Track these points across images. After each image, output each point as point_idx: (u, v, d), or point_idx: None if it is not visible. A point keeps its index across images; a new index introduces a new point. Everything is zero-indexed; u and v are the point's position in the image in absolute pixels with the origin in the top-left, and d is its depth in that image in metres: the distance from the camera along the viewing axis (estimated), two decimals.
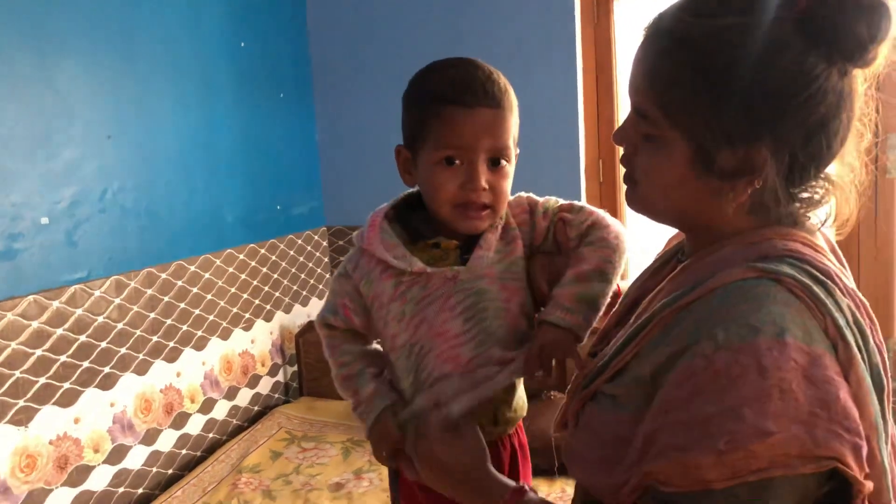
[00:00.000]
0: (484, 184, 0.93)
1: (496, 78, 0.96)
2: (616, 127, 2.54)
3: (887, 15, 0.67)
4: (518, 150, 1.01)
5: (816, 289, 0.68)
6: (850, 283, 0.73)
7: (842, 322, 0.67)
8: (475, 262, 0.97)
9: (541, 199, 1.04)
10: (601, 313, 0.97)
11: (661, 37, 0.74)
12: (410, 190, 1.05)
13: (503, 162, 0.95)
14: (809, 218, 0.78)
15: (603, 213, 1.01)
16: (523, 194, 1.06)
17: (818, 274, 0.70)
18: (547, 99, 2.61)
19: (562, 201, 1.04)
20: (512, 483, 0.89)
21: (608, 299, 0.97)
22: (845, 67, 0.69)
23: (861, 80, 0.73)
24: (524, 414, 1.07)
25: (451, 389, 0.94)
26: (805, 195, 0.76)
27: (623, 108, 2.68)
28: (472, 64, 0.98)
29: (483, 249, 0.98)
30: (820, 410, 0.62)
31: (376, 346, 1.07)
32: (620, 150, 0.84)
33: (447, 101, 0.93)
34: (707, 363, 0.65)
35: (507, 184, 0.97)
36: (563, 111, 2.62)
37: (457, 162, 0.93)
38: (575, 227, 0.99)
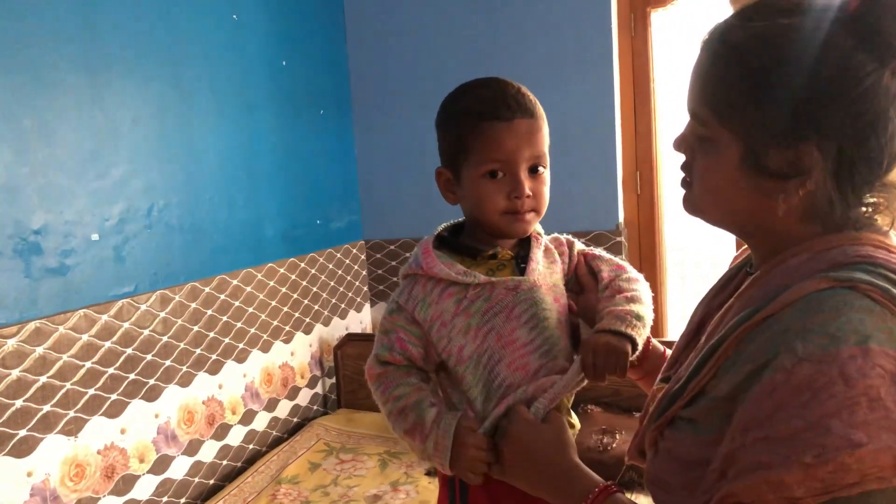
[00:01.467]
0: (528, 191, 0.99)
1: (525, 91, 1.02)
2: (654, 139, 2.55)
3: None
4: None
5: (895, 291, 0.66)
6: None
7: None
8: (531, 273, 1.03)
9: (572, 239, 1.13)
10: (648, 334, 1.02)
11: (713, 43, 0.76)
12: (446, 223, 1.11)
13: (541, 168, 1.02)
14: (877, 220, 0.76)
15: (630, 269, 1.09)
16: (562, 236, 1.13)
17: (894, 276, 0.68)
18: (584, 111, 2.62)
19: (593, 248, 1.14)
20: (600, 479, 0.89)
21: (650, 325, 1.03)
22: None
23: None
24: (579, 425, 1.09)
25: (524, 396, 0.97)
26: (870, 200, 0.75)
27: (661, 119, 2.66)
28: (499, 81, 1.03)
29: (533, 262, 1.04)
30: None
31: (430, 378, 1.07)
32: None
33: (485, 117, 0.98)
34: (788, 376, 0.64)
35: (547, 188, 1.03)
36: (600, 123, 2.62)
37: (500, 174, 0.99)
38: (605, 263, 1.09)
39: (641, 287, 1.06)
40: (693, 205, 0.84)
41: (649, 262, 2.72)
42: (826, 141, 0.70)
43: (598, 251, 1.13)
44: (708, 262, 3.58)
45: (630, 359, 0.98)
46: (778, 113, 0.71)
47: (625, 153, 2.68)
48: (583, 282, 1.10)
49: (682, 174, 0.85)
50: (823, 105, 0.69)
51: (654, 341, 1.09)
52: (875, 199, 0.75)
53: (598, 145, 2.63)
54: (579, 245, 1.13)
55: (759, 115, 0.72)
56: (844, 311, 0.65)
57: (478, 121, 0.98)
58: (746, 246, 0.95)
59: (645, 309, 1.02)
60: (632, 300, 1.02)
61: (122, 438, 1.87)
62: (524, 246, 1.07)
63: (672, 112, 2.74)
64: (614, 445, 2.09)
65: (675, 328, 2.81)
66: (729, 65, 0.73)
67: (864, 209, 0.75)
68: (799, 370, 0.63)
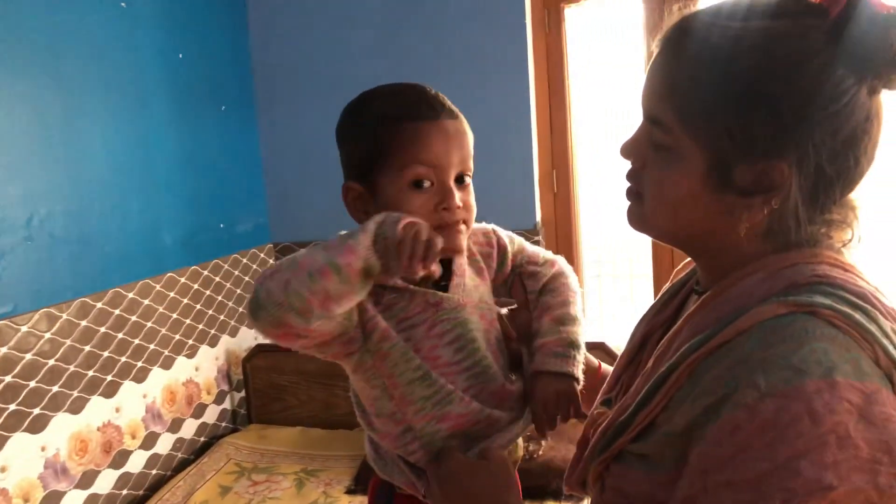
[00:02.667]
0: (459, 201, 0.88)
1: (442, 95, 0.92)
2: (570, 136, 2.52)
3: None
4: None
5: (858, 316, 0.62)
6: (889, 302, 0.67)
7: (892, 349, 0.61)
8: (455, 290, 0.93)
9: (504, 237, 1.03)
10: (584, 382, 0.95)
11: (684, 42, 0.70)
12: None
13: (467, 179, 0.91)
14: (832, 237, 0.72)
15: (562, 262, 1.04)
16: (487, 225, 1.03)
17: (855, 299, 0.64)
18: (499, 109, 2.56)
19: (525, 245, 1.05)
20: None
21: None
22: (875, 86, 0.65)
23: (884, 103, 0.68)
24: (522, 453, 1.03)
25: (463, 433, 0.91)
26: (825, 217, 0.70)
27: (576, 116, 2.64)
28: (414, 84, 0.92)
29: (458, 276, 0.94)
30: (882, 455, 0.56)
31: None
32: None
33: (405, 117, 0.86)
34: (751, 414, 0.59)
35: (474, 200, 0.93)
36: (515, 121, 2.57)
37: (426, 183, 0.86)
38: (539, 281, 1.01)
39: (569, 293, 1.00)
40: (641, 219, 0.77)
41: (567, 261, 2.69)
42: (802, 157, 0.65)
43: (542, 257, 1.04)
44: (624, 261, 3.62)
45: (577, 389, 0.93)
46: (753, 125, 0.65)
47: (541, 151, 2.64)
48: (514, 297, 1.03)
49: (628, 184, 0.78)
50: (802, 120, 0.64)
51: (605, 367, 1.04)
52: (832, 218, 0.71)
53: (514, 144, 2.57)
54: (518, 247, 1.03)
55: (735, 127, 0.66)
56: (807, 341, 0.60)
57: (398, 122, 0.86)
58: (687, 261, 0.90)
59: (577, 327, 0.97)
60: (561, 321, 0.96)
61: (2, 478, 1.67)
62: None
63: (587, 109, 2.73)
64: (540, 452, 2.04)
65: (592, 327, 2.81)
66: (702, 68, 0.67)
67: (819, 227, 0.71)
68: (762, 407, 0.59)
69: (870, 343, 0.61)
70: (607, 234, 2.77)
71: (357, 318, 0.88)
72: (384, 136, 0.87)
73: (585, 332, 0.99)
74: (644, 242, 2.38)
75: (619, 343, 2.42)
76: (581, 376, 0.94)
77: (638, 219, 0.78)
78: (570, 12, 2.58)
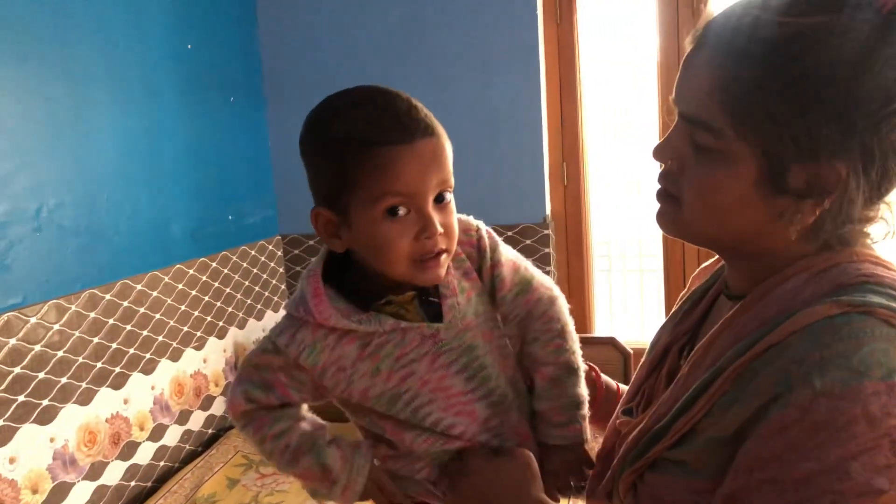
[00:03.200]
0: (439, 228, 0.80)
1: (417, 103, 0.82)
2: (580, 129, 2.50)
3: None
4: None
5: None
6: None
7: None
8: (450, 315, 0.87)
9: (486, 241, 0.92)
10: (588, 400, 0.92)
11: (733, 39, 0.66)
12: (325, 251, 0.91)
13: (448, 195, 0.83)
14: (868, 234, 0.70)
15: (548, 289, 0.94)
16: (468, 219, 0.93)
17: None
18: (510, 101, 2.54)
19: (508, 253, 0.94)
20: None
21: (586, 385, 0.93)
22: None
23: None
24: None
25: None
26: (870, 215, 0.69)
27: (588, 109, 2.62)
28: (383, 93, 0.81)
29: (450, 297, 0.87)
30: None
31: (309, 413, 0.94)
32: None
33: (375, 143, 0.78)
34: (803, 413, 0.58)
35: (455, 219, 0.85)
36: (526, 114, 2.55)
37: (401, 211, 0.79)
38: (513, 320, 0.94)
39: (559, 341, 0.91)
40: (678, 223, 0.74)
41: (576, 255, 2.68)
42: (860, 158, 0.62)
43: (504, 269, 0.92)
44: (634, 255, 3.61)
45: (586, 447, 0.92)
46: (812, 126, 0.62)
47: (551, 144, 2.63)
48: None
49: (661, 186, 0.75)
50: (862, 120, 0.61)
51: (605, 379, 1.02)
52: (873, 214, 0.69)
53: (524, 136, 2.56)
54: (491, 255, 0.92)
55: (798, 129, 0.62)
56: (866, 341, 0.59)
57: (365, 148, 0.77)
58: (704, 266, 0.88)
59: (574, 378, 0.91)
60: (556, 379, 0.90)
61: (11, 469, 1.67)
62: None
63: (598, 101, 2.71)
64: None
65: (602, 322, 2.80)
66: (758, 68, 0.63)
67: (856, 225, 0.69)
68: (816, 406, 0.57)
69: None
70: (618, 227, 2.76)
71: (326, 394, 0.90)
72: (351, 163, 0.79)
73: (583, 374, 0.93)
74: (654, 237, 2.35)
75: (629, 338, 2.41)
76: (588, 434, 0.92)
77: (673, 223, 0.75)
78: (581, 4, 2.55)
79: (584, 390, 0.92)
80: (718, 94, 0.66)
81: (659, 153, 0.74)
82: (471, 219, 0.93)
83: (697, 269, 0.91)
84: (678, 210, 0.73)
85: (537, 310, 0.93)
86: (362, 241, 0.83)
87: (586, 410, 0.92)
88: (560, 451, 0.91)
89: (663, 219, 0.76)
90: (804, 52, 0.62)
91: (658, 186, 0.76)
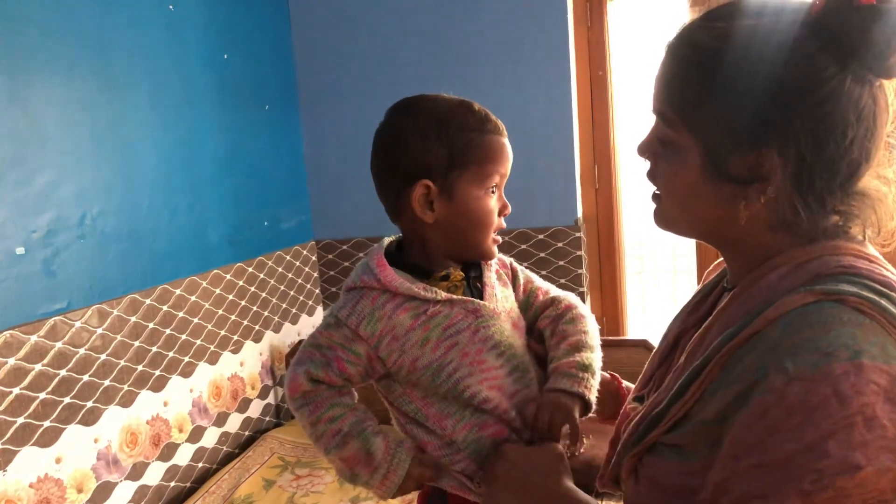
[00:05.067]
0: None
1: None
2: (612, 132, 2.51)
3: None
4: None
5: (884, 302, 0.63)
6: None
7: None
8: (489, 300, 1.00)
9: (518, 267, 1.10)
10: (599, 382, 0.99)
11: (678, 44, 0.75)
12: (391, 238, 1.05)
13: None
14: (850, 228, 0.74)
15: (579, 303, 1.07)
16: (504, 258, 1.09)
17: (880, 287, 0.65)
18: (541, 104, 2.54)
19: (535, 277, 1.10)
20: (596, 502, 0.85)
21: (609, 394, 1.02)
22: (863, 74, 0.67)
23: (892, 93, 0.70)
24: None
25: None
26: (840, 208, 0.72)
27: (619, 112, 2.61)
28: (466, 100, 1.00)
29: (489, 287, 1.01)
30: None
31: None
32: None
33: (488, 132, 0.97)
34: (779, 397, 0.61)
35: None
36: (557, 117, 2.56)
37: (493, 190, 0.98)
38: (559, 312, 1.05)
39: (587, 326, 1.03)
40: (663, 218, 0.81)
41: (608, 258, 2.68)
42: (786, 145, 0.68)
43: (539, 282, 1.09)
44: (667, 256, 3.58)
45: (584, 416, 0.95)
46: (740, 116, 0.69)
47: (582, 147, 2.62)
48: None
49: (651, 186, 0.82)
50: (785, 109, 0.67)
51: (627, 385, 1.06)
52: (846, 208, 0.73)
53: (555, 139, 2.56)
54: (523, 272, 1.09)
55: (720, 118, 0.70)
56: (834, 326, 0.62)
57: (481, 134, 0.96)
58: (719, 261, 0.91)
59: (592, 354, 1.00)
60: (576, 347, 1.00)
61: (58, 468, 1.72)
62: (474, 268, 1.02)
63: (629, 104, 2.70)
64: (582, 451, 2.03)
65: (634, 325, 2.78)
66: (693, 66, 0.72)
67: (836, 218, 0.73)
68: (790, 390, 0.60)
69: None
70: (650, 229, 2.73)
71: (379, 368, 0.96)
72: (466, 144, 0.95)
73: (600, 362, 1.01)
74: (688, 241, 2.34)
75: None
76: (593, 400, 0.96)
77: (660, 218, 0.82)
78: (612, 6, 2.55)
79: (598, 365, 1.00)
80: (667, 89, 0.75)
81: (640, 150, 0.81)
82: (501, 255, 1.08)
83: (713, 265, 0.94)
84: (660, 205, 0.80)
85: (573, 304, 1.06)
86: (463, 211, 0.96)
87: (596, 382, 0.98)
88: (559, 395, 0.94)
89: (654, 216, 0.82)
90: (727, 50, 0.69)
91: (653, 188, 0.82)
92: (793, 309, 0.65)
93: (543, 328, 1.04)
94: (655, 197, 0.81)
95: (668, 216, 0.80)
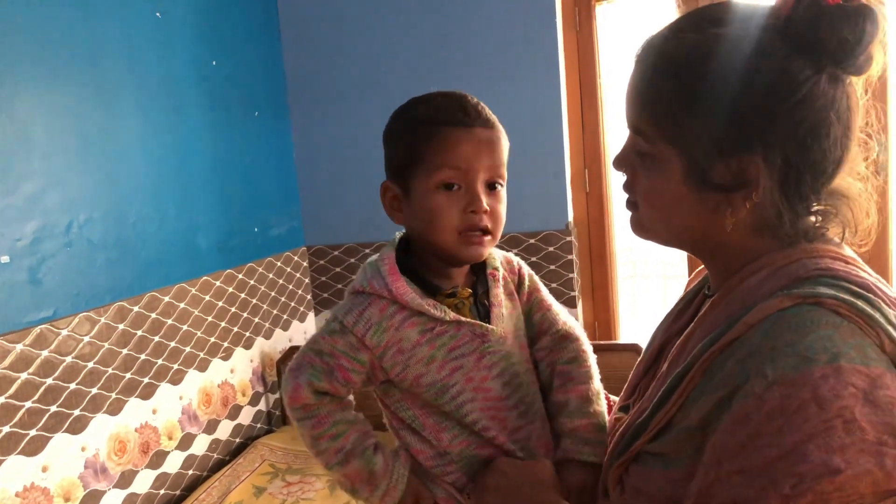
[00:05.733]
0: (486, 206, 0.89)
1: (483, 105, 0.94)
2: (602, 135, 2.51)
3: (872, 18, 0.65)
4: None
5: (861, 304, 0.64)
6: (891, 292, 0.69)
7: None
8: (496, 322, 0.95)
9: (525, 271, 1.05)
10: None
11: (649, 55, 0.74)
12: (400, 233, 1.00)
13: (499, 186, 0.93)
14: (828, 230, 0.74)
15: (573, 323, 1.03)
16: (511, 255, 1.06)
17: (857, 289, 0.65)
18: (530, 108, 2.54)
19: (540, 286, 1.05)
20: None
21: None
22: (836, 73, 0.67)
23: (861, 89, 0.71)
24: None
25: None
26: (817, 208, 0.73)
27: (609, 115, 2.61)
28: (458, 92, 0.94)
29: (497, 307, 0.96)
30: (888, 437, 0.57)
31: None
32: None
33: (441, 122, 0.89)
34: (759, 402, 0.61)
35: (504, 208, 0.94)
36: (547, 121, 2.56)
37: (455, 186, 0.89)
38: (560, 342, 1.01)
39: (589, 361, 0.99)
40: (641, 226, 0.81)
41: (599, 262, 2.67)
42: (769, 150, 0.68)
43: (544, 293, 1.04)
44: (658, 261, 3.56)
45: None
46: (718, 124, 0.69)
47: (573, 151, 2.62)
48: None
49: (626, 195, 0.82)
50: (763, 114, 0.67)
51: (613, 397, 1.05)
52: (822, 209, 0.73)
53: (545, 143, 2.56)
54: (530, 279, 1.04)
55: (700, 128, 0.70)
56: (812, 329, 0.62)
57: (433, 126, 0.89)
58: (701, 268, 0.91)
59: (602, 404, 0.97)
60: (588, 398, 0.95)
61: (44, 477, 1.71)
62: (480, 279, 0.98)
63: (620, 107, 2.70)
64: None
65: (626, 329, 2.77)
66: (665, 77, 0.72)
67: (813, 220, 0.73)
68: (770, 394, 0.60)
69: (874, 330, 0.63)
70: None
71: (381, 376, 0.93)
72: (419, 140, 0.90)
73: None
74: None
75: None
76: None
77: (638, 227, 0.82)
78: (601, 10, 2.55)
79: (605, 406, 0.97)
80: (641, 103, 0.75)
81: (616, 164, 0.81)
82: (512, 255, 1.05)
83: (695, 272, 0.94)
84: (638, 214, 0.80)
85: (573, 333, 1.02)
86: (418, 213, 0.91)
87: (607, 437, 0.95)
88: (588, 469, 0.91)
89: (631, 224, 0.82)
90: (700, 60, 0.69)
91: (626, 196, 0.82)
92: (772, 313, 0.65)
93: (541, 360, 1.00)
94: (631, 205, 0.81)
95: (648, 226, 0.80)
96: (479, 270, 0.99)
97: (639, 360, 0.91)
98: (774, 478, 0.58)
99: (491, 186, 0.92)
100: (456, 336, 0.92)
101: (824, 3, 0.66)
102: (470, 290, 0.96)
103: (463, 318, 0.92)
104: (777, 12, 0.68)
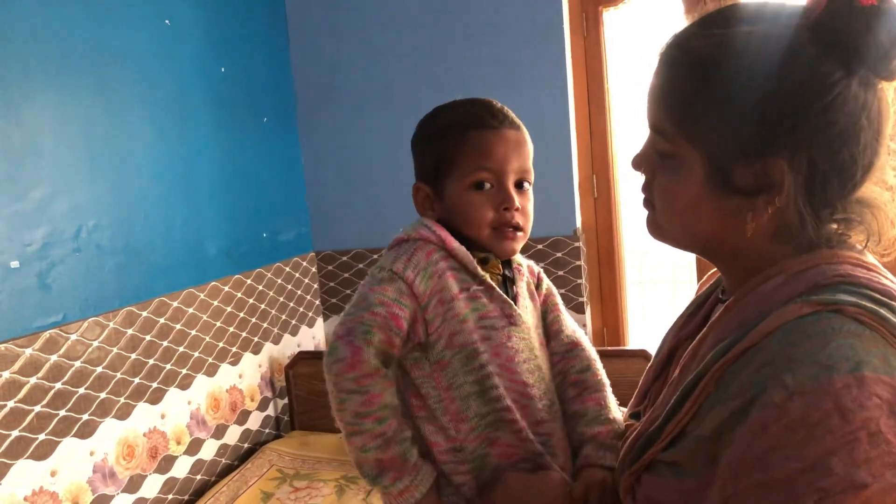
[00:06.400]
0: (517, 203, 0.94)
1: (508, 108, 1.00)
2: (610, 141, 2.50)
3: None
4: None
5: (884, 312, 0.61)
6: None
7: None
8: (523, 310, 0.97)
9: (543, 276, 1.08)
10: None
11: (673, 52, 0.73)
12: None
13: (527, 185, 0.98)
14: (850, 237, 0.71)
15: (579, 332, 1.05)
16: (533, 266, 1.08)
17: (880, 296, 0.63)
18: (538, 114, 2.54)
19: (555, 293, 1.07)
20: None
21: None
22: (868, 77, 0.65)
23: (893, 94, 0.68)
24: None
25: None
26: (840, 216, 0.70)
27: (617, 120, 2.61)
28: (483, 98, 0.99)
29: (522, 298, 0.99)
30: None
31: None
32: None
33: (471, 126, 0.95)
34: (779, 413, 0.58)
35: (532, 207, 0.99)
36: (554, 126, 2.55)
37: (487, 185, 0.94)
38: (555, 340, 1.03)
39: (598, 367, 1.01)
40: (657, 227, 0.79)
41: (608, 268, 2.66)
42: (796, 154, 0.65)
43: (557, 298, 1.07)
44: (667, 266, 3.56)
45: None
46: (744, 125, 0.66)
47: (580, 156, 2.62)
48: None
49: (643, 195, 0.80)
50: (791, 116, 0.65)
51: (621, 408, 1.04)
52: (846, 217, 0.70)
53: (553, 149, 2.55)
54: (547, 283, 1.07)
55: (724, 128, 0.67)
56: (833, 337, 0.60)
57: (464, 130, 0.95)
58: (713, 271, 0.90)
59: (618, 414, 0.97)
60: (605, 404, 0.97)
61: (53, 482, 1.72)
62: (508, 269, 1.00)
63: (627, 113, 2.70)
64: None
65: (635, 335, 2.76)
66: (692, 76, 0.70)
67: (835, 226, 0.71)
68: (790, 405, 0.58)
69: None
70: (649, 239, 2.71)
71: (420, 333, 0.91)
72: (450, 144, 0.95)
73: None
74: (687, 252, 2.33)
75: None
76: None
77: (654, 228, 0.80)
78: (608, 15, 2.55)
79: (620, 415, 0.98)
80: (665, 101, 0.73)
81: (634, 163, 0.79)
82: (532, 262, 1.08)
83: (706, 276, 0.92)
84: (654, 215, 0.78)
85: (581, 342, 1.03)
86: (454, 209, 0.96)
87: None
88: (601, 471, 0.91)
89: (647, 226, 0.80)
90: (726, 57, 0.67)
91: (643, 196, 0.80)
92: (789, 320, 0.63)
93: (554, 364, 1.01)
94: (648, 204, 0.79)
95: (664, 228, 0.78)
96: (506, 266, 1.00)
97: (649, 364, 0.90)
98: (796, 492, 0.56)
99: (519, 185, 0.96)
100: (487, 306, 0.93)
101: (858, 3, 0.63)
102: (500, 268, 0.98)
103: (496, 289, 0.94)
104: (808, 12, 0.66)
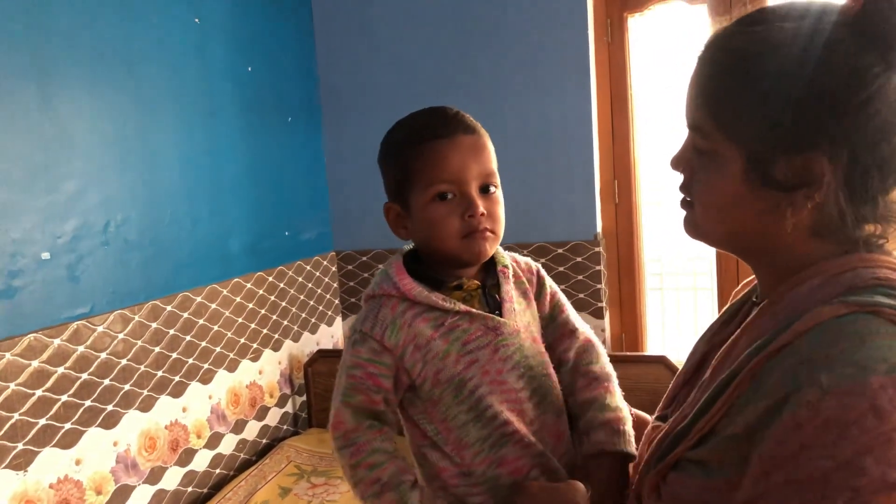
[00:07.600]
0: (482, 209, 0.93)
1: (464, 113, 0.98)
2: (632, 147, 2.50)
3: None
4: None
5: None
6: None
7: None
8: (508, 316, 0.97)
9: (545, 275, 1.08)
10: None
11: (714, 51, 0.73)
12: (408, 246, 1.04)
13: (493, 188, 0.96)
14: (887, 241, 0.72)
15: (587, 329, 1.07)
16: (528, 259, 1.08)
17: None
18: (561, 119, 2.55)
19: (560, 293, 1.08)
20: None
21: None
22: None
23: None
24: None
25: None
26: (880, 213, 0.69)
27: (639, 127, 2.61)
28: (436, 107, 0.98)
29: (508, 302, 0.99)
30: None
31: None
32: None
33: (424, 139, 0.94)
34: (813, 412, 0.58)
35: (502, 209, 0.97)
36: (577, 131, 2.56)
37: (449, 195, 0.93)
38: (571, 336, 1.05)
39: (609, 366, 1.03)
40: (695, 226, 0.79)
41: (627, 273, 2.67)
42: (836, 147, 0.66)
43: (561, 296, 1.08)
44: (686, 273, 3.55)
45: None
46: (784, 120, 0.67)
47: (602, 162, 2.62)
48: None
49: (682, 195, 0.80)
50: (831, 110, 0.65)
51: (637, 412, 1.05)
52: (886, 214, 0.70)
53: (575, 154, 2.56)
54: (549, 282, 1.08)
55: (762, 123, 0.68)
56: (870, 338, 0.60)
57: (418, 143, 0.94)
58: (748, 280, 0.90)
59: (621, 398, 1.00)
60: (613, 394, 0.99)
61: (77, 470, 1.75)
62: (490, 275, 1.00)
63: (650, 119, 2.70)
64: None
65: (654, 341, 2.76)
66: (731, 72, 0.70)
67: (873, 227, 0.70)
68: (825, 404, 0.58)
69: None
70: (670, 245, 2.72)
71: (405, 379, 0.94)
72: (407, 159, 0.95)
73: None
74: (707, 255, 2.32)
75: (680, 357, 2.37)
76: (634, 451, 0.95)
77: (692, 227, 0.80)
78: (633, 22, 2.56)
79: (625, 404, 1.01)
80: (703, 98, 0.73)
81: (673, 163, 0.80)
82: (531, 260, 1.08)
83: (743, 283, 0.92)
84: (692, 213, 0.78)
85: (591, 338, 1.05)
86: (420, 224, 0.95)
87: (630, 423, 0.98)
88: (622, 459, 0.94)
89: (685, 224, 0.81)
90: (765, 53, 0.68)
91: (681, 196, 0.81)
92: (825, 320, 0.63)
93: (566, 361, 1.03)
94: (686, 203, 0.79)
95: (703, 226, 0.78)
96: (490, 269, 1.01)
97: (679, 371, 0.90)
98: (829, 491, 0.56)
99: (485, 190, 0.95)
100: (469, 330, 0.94)
101: None
102: (477, 283, 0.98)
103: (474, 311, 0.94)
104: (848, 8, 0.66)
